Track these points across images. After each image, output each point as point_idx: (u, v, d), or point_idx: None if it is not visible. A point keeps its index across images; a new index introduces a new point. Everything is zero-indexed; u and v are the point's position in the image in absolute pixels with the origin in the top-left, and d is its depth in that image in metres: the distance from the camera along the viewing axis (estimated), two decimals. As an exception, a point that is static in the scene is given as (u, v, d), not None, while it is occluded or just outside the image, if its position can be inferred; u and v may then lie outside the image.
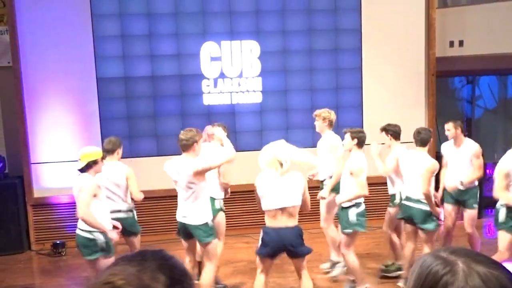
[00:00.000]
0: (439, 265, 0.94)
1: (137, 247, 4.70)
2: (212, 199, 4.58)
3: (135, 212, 4.77)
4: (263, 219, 4.06)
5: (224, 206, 4.98)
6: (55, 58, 6.20)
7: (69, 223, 5.98)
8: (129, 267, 0.92)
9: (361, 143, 4.49)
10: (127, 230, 4.59)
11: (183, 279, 0.94)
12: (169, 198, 5.54)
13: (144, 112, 6.44)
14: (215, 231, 4.37)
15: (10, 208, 6.18)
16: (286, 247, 3.94)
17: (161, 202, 6.27)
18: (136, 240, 4.73)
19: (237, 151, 6.52)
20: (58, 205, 6.33)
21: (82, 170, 4.03)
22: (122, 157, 4.82)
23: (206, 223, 4.21)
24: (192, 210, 4.18)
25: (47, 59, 6.18)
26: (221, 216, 4.84)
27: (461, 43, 6.77)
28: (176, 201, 4.35)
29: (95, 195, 4.00)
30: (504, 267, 0.94)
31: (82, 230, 4.09)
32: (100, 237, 4.05)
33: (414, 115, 6.78)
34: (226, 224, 4.99)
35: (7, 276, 5.58)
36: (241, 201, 6.36)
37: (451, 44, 6.84)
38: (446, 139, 7.46)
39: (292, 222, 3.93)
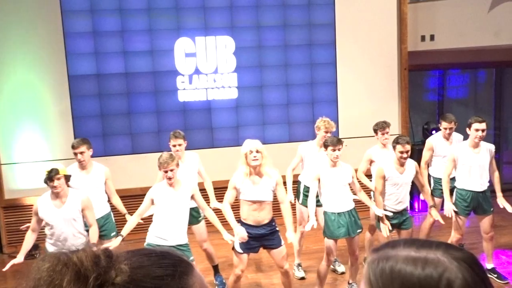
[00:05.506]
0: (428, 269, 0.76)
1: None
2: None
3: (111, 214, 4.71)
4: (239, 214, 4.07)
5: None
6: (25, 56, 6.03)
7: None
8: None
9: None
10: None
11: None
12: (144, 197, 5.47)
13: (118, 109, 6.34)
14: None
15: (-20, 210, 6.01)
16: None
17: (137, 200, 6.18)
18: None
19: (213, 147, 6.54)
20: (30, 207, 6.17)
21: None
22: (97, 156, 4.73)
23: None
24: (182, 230, 4.44)
25: (16, 57, 6.01)
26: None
27: (432, 38, 6.89)
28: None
29: None
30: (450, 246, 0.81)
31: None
32: None
33: (388, 108, 6.88)
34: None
35: (-22, 281, 5.42)
36: (216, 197, 6.32)
37: (423, 38, 6.95)
38: (418, 132, 7.59)
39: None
